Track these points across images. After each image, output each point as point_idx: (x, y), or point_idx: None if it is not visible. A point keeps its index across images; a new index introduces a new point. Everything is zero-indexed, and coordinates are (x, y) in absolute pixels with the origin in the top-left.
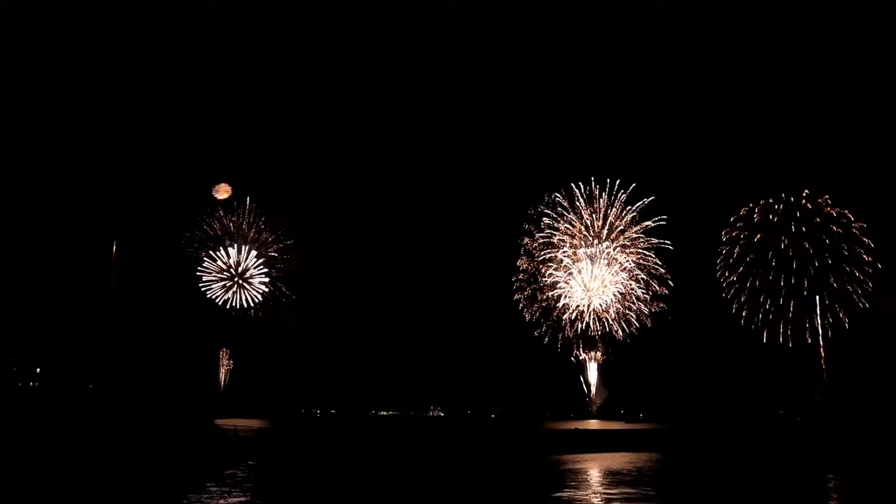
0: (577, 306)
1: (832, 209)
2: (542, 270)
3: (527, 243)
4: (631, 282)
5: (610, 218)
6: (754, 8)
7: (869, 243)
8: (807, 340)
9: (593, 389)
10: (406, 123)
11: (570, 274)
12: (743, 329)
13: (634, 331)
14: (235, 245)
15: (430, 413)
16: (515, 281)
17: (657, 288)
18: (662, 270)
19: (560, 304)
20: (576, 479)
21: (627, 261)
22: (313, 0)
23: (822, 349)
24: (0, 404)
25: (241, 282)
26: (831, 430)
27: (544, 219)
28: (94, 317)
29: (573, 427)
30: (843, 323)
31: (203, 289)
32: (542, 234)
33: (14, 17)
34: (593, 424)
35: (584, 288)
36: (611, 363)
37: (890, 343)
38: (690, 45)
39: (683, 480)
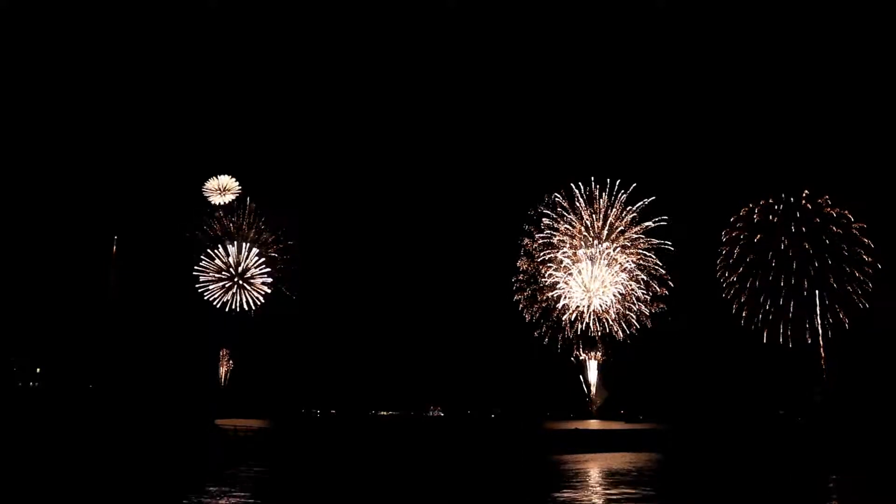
0: (577, 307)
1: (832, 209)
2: (542, 271)
3: (527, 244)
4: (631, 282)
5: (610, 218)
6: (754, 8)
7: (869, 244)
8: (807, 341)
9: (593, 389)
10: (406, 123)
11: (570, 274)
12: (743, 329)
13: (635, 331)
14: (235, 243)
15: (430, 413)
16: (515, 282)
17: (657, 289)
18: (663, 271)
19: (560, 305)
20: (576, 479)
21: (627, 261)
22: (313, 0)
23: (822, 349)
24: (0, 404)
25: (241, 282)
26: (831, 430)
27: (544, 219)
28: (94, 317)
29: (573, 427)
30: (843, 323)
31: (201, 290)
32: (541, 235)
33: (15, 17)
34: (593, 424)
35: (583, 289)
36: (611, 363)
37: (890, 343)
38: (690, 45)
39: (683, 480)
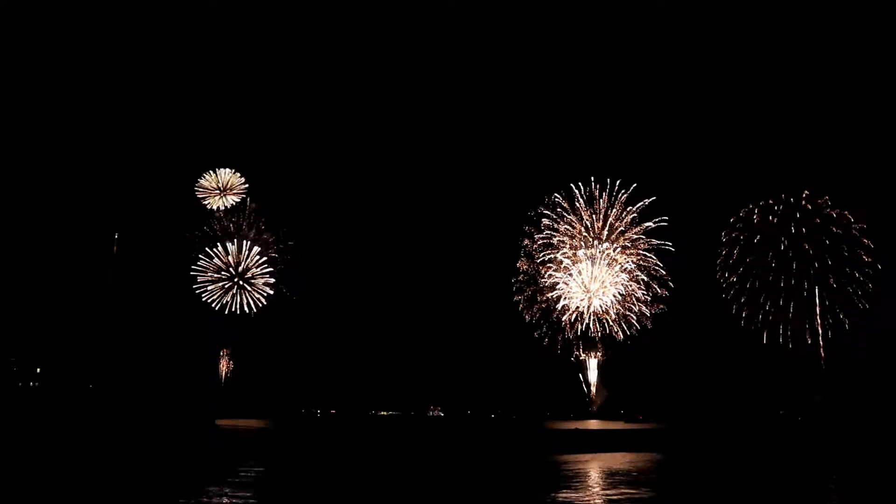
0: (577, 307)
1: (832, 210)
2: (542, 272)
3: (527, 245)
4: (631, 283)
5: (610, 219)
6: (754, 8)
7: (869, 244)
8: (807, 341)
9: (593, 389)
10: (406, 124)
11: (570, 275)
12: (743, 330)
13: (635, 332)
14: (235, 241)
15: (431, 413)
16: (515, 282)
17: (658, 289)
18: (664, 272)
19: (560, 306)
20: (576, 479)
21: (628, 262)
22: (313, 0)
23: (821, 349)
24: (0, 404)
25: (241, 283)
26: (831, 430)
27: (544, 220)
28: (94, 317)
29: (573, 427)
30: (844, 323)
31: (199, 291)
32: (541, 236)
33: (16, 17)
34: (593, 424)
35: (583, 289)
36: (610, 363)
37: (890, 343)
38: (690, 45)
39: (683, 480)
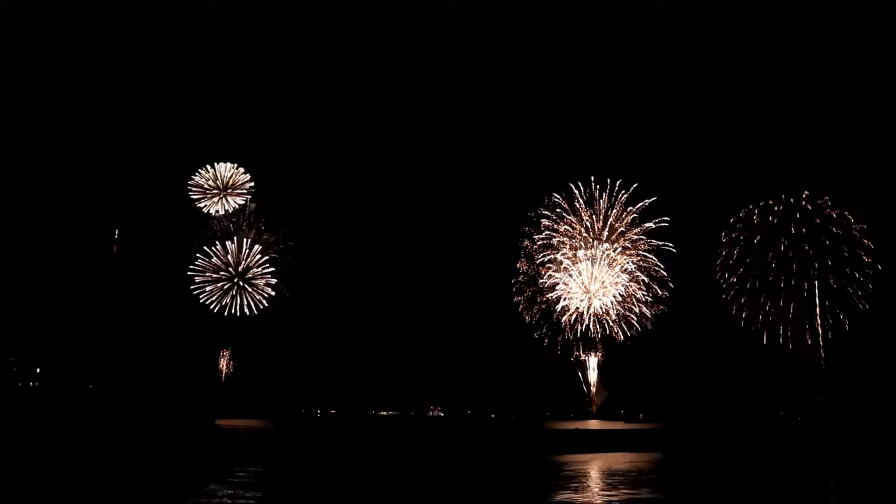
0: (577, 308)
1: (832, 210)
2: (542, 272)
3: (526, 245)
4: (631, 283)
5: (610, 219)
6: (754, 8)
7: (869, 244)
8: (807, 341)
9: (593, 389)
10: (406, 124)
11: (570, 276)
12: (743, 330)
13: (635, 333)
14: (235, 240)
15: (431, 413)
16: (515, 283)
17: (658, 290)
18: (664, 273)
19: (560, 307)
20: (575, 479)
21: (628, 262)
22: (313, 1)
23: (822, 349)
24: (0, 404)
25: (241, 283)
26: (831, 430)
27: (544, 220)
28: (93, 317)
29: (573, 427)
30: (844, 323)
31: (197, 292)
32: (541, 237)
33: (16, 17)
34: (593, 424)
35: (583, 290)
36: (611, 363)
37: (890, 343)
38: (690, 45)
39: (683, 480)
